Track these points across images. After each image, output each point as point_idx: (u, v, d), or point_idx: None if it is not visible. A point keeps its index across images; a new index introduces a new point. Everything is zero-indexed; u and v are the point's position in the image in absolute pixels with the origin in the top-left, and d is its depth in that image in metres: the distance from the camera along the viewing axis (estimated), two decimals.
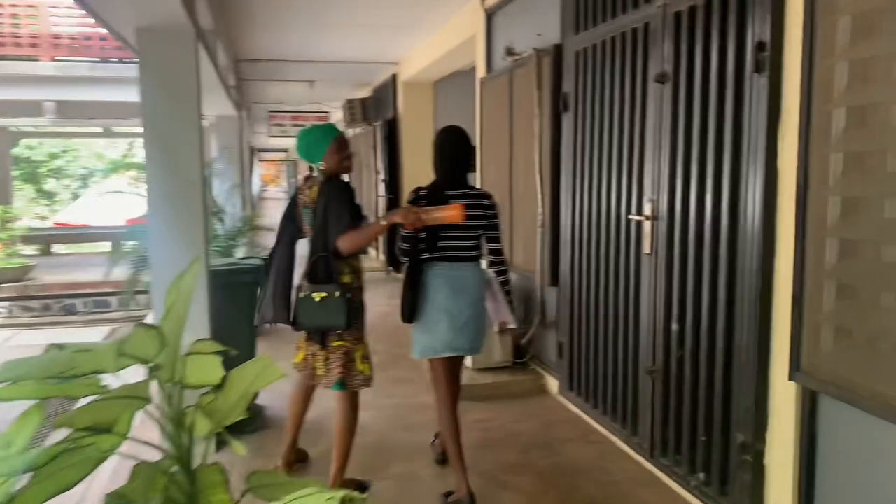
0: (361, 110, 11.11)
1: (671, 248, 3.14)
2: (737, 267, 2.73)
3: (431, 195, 3.02)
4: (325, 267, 2.89)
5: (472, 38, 6.10)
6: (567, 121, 4.20)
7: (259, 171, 36.99)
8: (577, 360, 4.14)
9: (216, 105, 7.68)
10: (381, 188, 10.11)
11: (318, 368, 3.01)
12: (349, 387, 2.99)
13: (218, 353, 1.41)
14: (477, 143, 6.05)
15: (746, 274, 2.66)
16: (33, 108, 9.71)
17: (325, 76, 10.39)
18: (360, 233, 2.92)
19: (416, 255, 3.01)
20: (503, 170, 5.25)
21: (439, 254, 3.01)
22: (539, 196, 4.44)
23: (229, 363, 1.38)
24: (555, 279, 4.41)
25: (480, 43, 5.87)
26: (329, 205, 2.88)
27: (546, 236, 4.43)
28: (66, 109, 9.88)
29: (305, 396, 3.30)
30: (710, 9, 2.84)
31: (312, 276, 2.91)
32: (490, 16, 5.68)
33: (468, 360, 4.82)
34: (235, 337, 4.09)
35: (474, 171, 3.32)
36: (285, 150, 32.38)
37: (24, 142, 19.42)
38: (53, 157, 22.97)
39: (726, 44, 2.74)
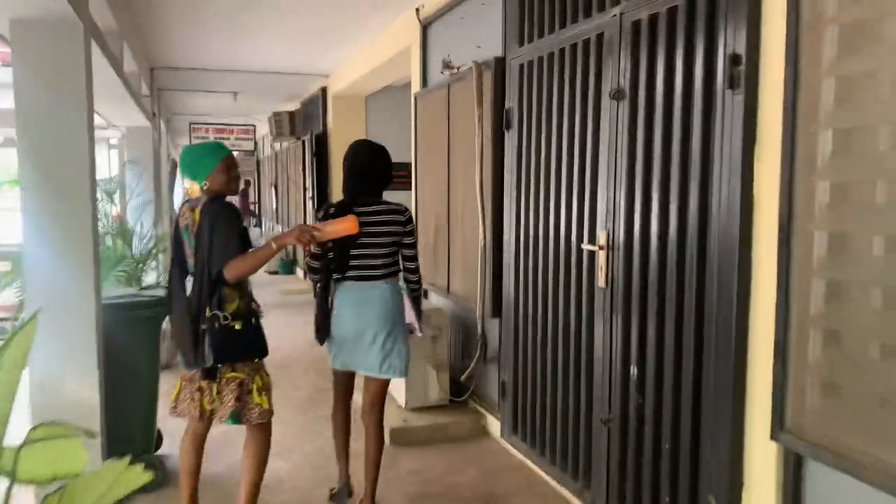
0: (289, 124, 10.57)
1: (629, 283, 2.82)
2: (706, 307, 2.42)
3: (340, 212, 2.91)
4: (214, 293, 2.69)
5: (407, 50, 5.73)
6: (511, 139, 3.86)
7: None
8: (521, 401, 3.78)
9: (126, 116, 7.01)
10: (309, 206, 9.59)
11: (205, 404, 2.77)
12: (244, 421, 2.79)
13: (75, 436, 0.98)
14: (412, 160, 5.66)
15: (718, 315, 2.36)
16: None
17: (250, 88, 9.82)
18: (249, 258, 2.69)
19: (326, 273, 2.97)
20: (441, 190, 4.88)
21: (350, 272, 2.95)
22: (480, 219, 4.08)
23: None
24: (497, 310, 4.05)
25: (416, 55, 5.50)
26: (215, 227, 2.68)
27: (487, 263, 4.07)
28: None
29: (196, 443, 2.91)
30: (674, 17, 2.55)
31: (220, 305, 2.70)
32: (426, 27, 5.33)
33: (401, 400, 4.40)
34: (134, 381, 3.55)
35: (386, 186, 3.17)
36: None
37: None
38: None
39: (693, 56, 2.45)
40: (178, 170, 3.75)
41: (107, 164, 10.79)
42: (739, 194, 2.25)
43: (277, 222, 14.15)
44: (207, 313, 2.66)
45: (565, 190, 3.29)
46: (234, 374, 2.74)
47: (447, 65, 4.69)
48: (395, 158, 7.89)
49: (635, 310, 2.78)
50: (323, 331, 3.01)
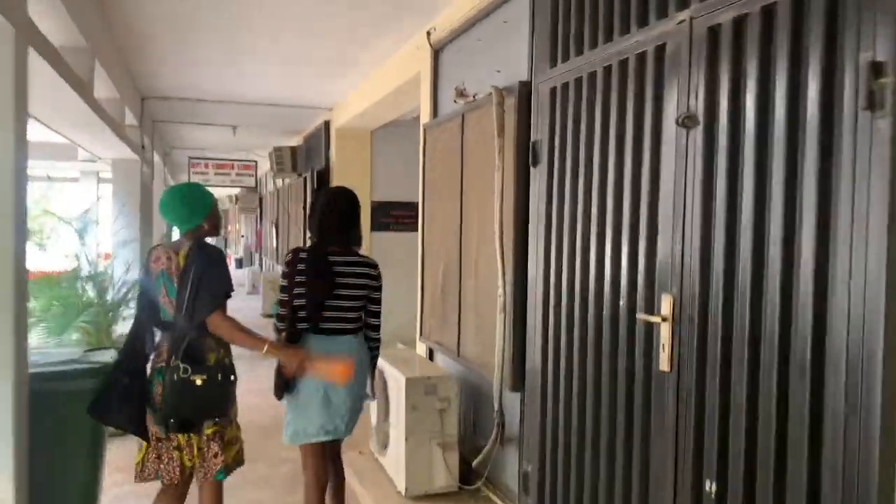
0: (291, 159, 10.01)
1: (704, 368, 2.13)
2: (825, 402, 1.73)
3: (311, 258, 2.84)
4: (200, 344, 2.58)
5: (416, 77, 5.15)
6: (538, 176, 3.22)
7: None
8: (549, 497, 3.05)
9: (109, 147, 6.45)
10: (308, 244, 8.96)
11: (185, 461, 2.62)
12: (228, 473, 2.68)
13: None
14: (420, 199, 5.04)
15: (842, 413, 1.67)
16: None
17: (250, 121, 9.30)
18: (238, 331, 2.61)
19: (293, 324, 2.80)
20: (451, 232, 4.23)
21: (321, 325, 2.81)
22: (499, 270, 3.41)
23: None
24: (519, 383, 3.35)
25: (426, 83, 4.92)
26: (207, 272, 2.56)
27: (508, 324, 3.39)
28: None
29: None
30: (770, 18, 1.92)
31: (186, 355, 2.53)
32: (438, 51, 4.75)
33: (400, 485, 3.68)
34: (66, 472, 2.84)
35: (359, 237, 3.03)
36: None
37: None
38: None
39: (803, 67, 1.81)
40: (162, 213, 2.83)
41: (94, 197, 10.19)
42: (886, 253, 1.58)
43: (277, 262, 13.52)
44: (172, 363, 2.52)
45: (611, 241, 2.62)
46: (215, 427, 2.62)
47: (461, 93, 4.08)
48: (400, 197, 7.10)
49: (713, 405, 2.08)
50: (284, 384, 2.81)
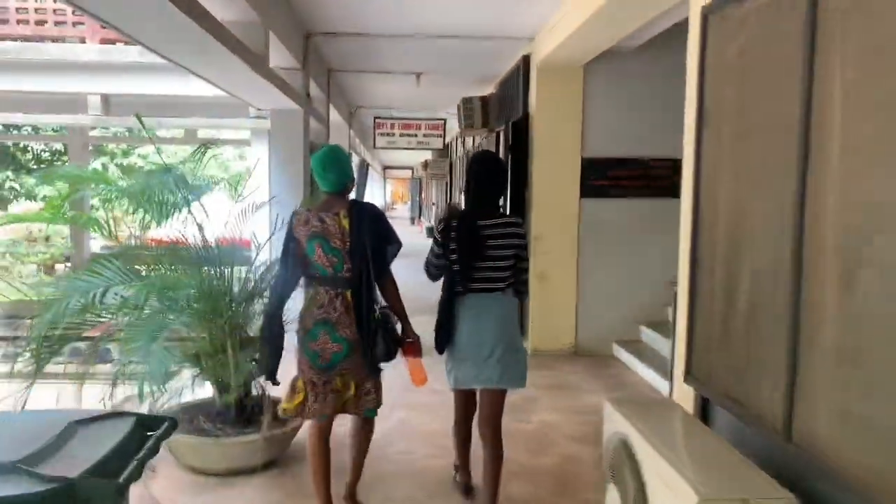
0: (481, 112, 8.37)
1: None
2: None
3: (462, 225, 2.93)
4: (374, 295, 2.91)
5: None
6: None
7: (383, 188, 35.39)
8: None
9: (259, 93, 5.23)
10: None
11: (338, 403, 2.91)
12: (376, 410, 3.04)
13: None
14: (687, 145, 3.08)
15: None
16: (70, 105, 7.86)
17: (434, 66, 7.78)
18: (401, 303, 3.01)
19: (449, 285, 2.99)
20: (774, 205, 2.25)
21: (471, 285, 2.95)
22: None
23: None
24: None
25: None
26: (383, 231, 2.86)
27: None
28: (113, 106, 7.98)
29: (327, 442, 2.99)
30: None
31: (370, 307, 2.88)
32: None
33: None
34: None
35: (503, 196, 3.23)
36: (411, 168, 30.35)
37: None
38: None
39: None
40: (321, 172, 2.89)
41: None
42: None
43: None
44: (377, 312, 2.89)
45: None
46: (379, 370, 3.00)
47: None
48: (621, 153, 4.87)
49: None
50: (443, 340, 3.02)
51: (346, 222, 2.79)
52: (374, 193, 28.01)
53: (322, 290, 2.85)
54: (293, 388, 2.92)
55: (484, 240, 2.88)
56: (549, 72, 6.23)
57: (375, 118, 11.49)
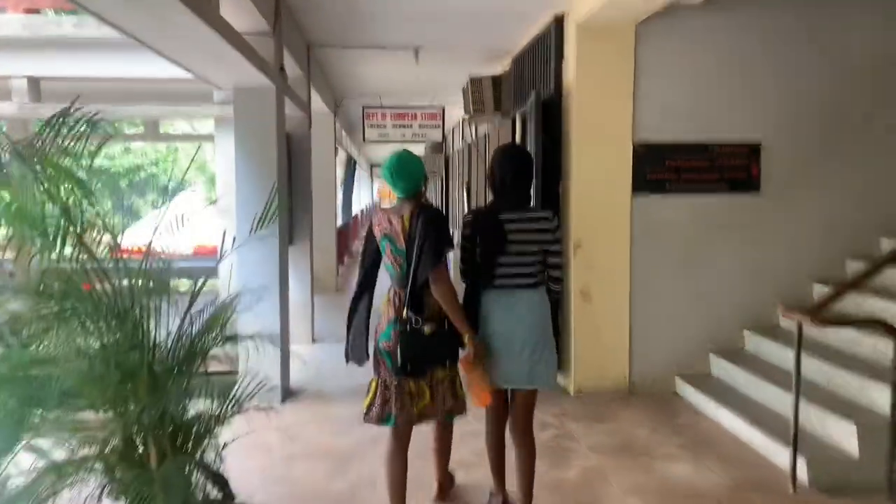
0: (493, 94, 7.03)
1: None
2: None
3: (485, 218, 2.96)
4: (427, 297, 2.85)
5: None
6: None
7: (370, 187, 33.55)
8: None
9: (221, 63, 3.85)
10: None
11: (417, 405, 2.89)
12: (458, 415, 3.06)
13: None
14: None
15: None
16: None
17: (437, 36, 6.40)
18: (454, 304, 2.85)
19: (474, 280, 2.96)
20: None
21: (497, 281, 2.91)
22: None
23: None
24: None
25: None
26: (430, 232, 2.80)
27: None
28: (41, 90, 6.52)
29: (404, 448, 2.96)
30: None
31: (415, 307, 2.83)
32: None
33: None
34: None
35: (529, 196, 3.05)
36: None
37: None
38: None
39: None
40: (390, 179, 2.86)
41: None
42: None
43: None
44: (404, 315, 2.83)
45: None
46: (445, 373, 2.94)
47: None
48: (687, 137, 4.84)
49: None
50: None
51: (407, 224, 2.86)
52: (361, 193, 26.55)
53: (394, 290, 2.92)
54: (368, 388, 2.96)
55: (505, 234, 2.87)
56: (591, 35, 4.87)
57: (365, 107, 10.09)
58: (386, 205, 2.95)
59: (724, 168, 4.99)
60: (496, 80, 7.02)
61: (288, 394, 5.03)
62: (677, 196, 5.00)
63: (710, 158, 4.99)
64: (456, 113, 11.57)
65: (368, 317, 2.99)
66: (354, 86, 9.48)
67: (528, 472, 3.00)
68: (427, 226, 2.79)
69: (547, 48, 5.45)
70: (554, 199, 5.22)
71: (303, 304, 6.51)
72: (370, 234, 3.00)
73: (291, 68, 5.96)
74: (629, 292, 5.00)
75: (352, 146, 15.79)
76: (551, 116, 5.24)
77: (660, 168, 4.97)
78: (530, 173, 3.05)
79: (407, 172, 2.87)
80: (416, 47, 6.78)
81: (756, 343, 5.00)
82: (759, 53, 4.97)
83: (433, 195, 17.66)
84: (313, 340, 6.71)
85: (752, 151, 5.00)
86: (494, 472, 3.17)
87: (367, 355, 2.98)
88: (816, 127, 5.05)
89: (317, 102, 7.96)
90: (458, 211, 12.41)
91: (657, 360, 5.07)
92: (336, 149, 11.01)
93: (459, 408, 3.02)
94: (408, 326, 2.80)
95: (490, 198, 3.09)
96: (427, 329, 2.81)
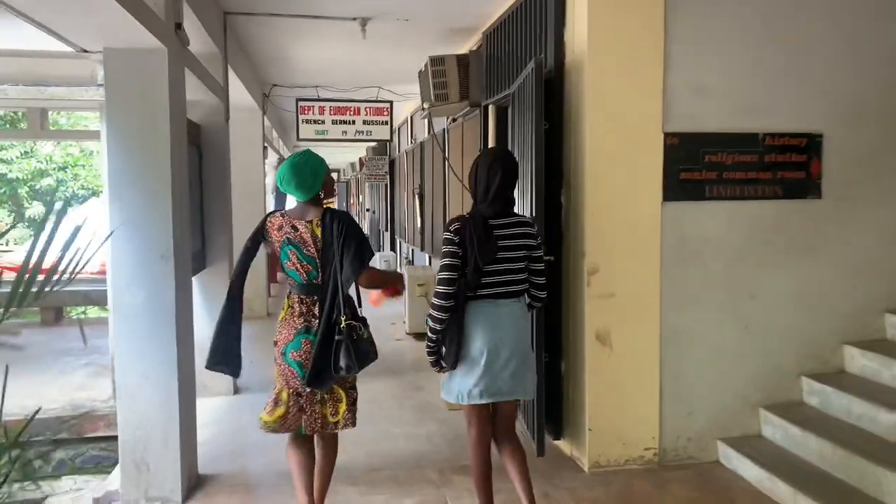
0: (459, 78, 5.69)
1: None
2: None
3: (476, 228, 2.75)
4: (350, 302, 2.86)
5: None
6: None
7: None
8: None
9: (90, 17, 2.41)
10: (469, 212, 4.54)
11: (328, 415, 2.88)
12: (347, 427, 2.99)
13: None
14: None
15: None
16: None
17: (387, 3, 5.04)
18: (379, 274, 3.01)
19: (457, 294, 2.78)
20: None
21: (482, 291, 2.78)
22: None
23: None
24: None
25: None
26: (350, 237, 2.77)
27: None
28: None
29: (311, 455, 2.94)
30: None
31: (353, 315, 2.86)
32: None
33: None
34: None
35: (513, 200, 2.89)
36: (337, 171, 26.65)
37: None
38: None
39: None
40: (291, 184, 2.79)
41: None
42: None
43: (422, 248, 9.37)
44: (342, 323, 2.74)
45: None
46: (353, 381, 2.97)
47: None
48: (736, 126, 3.84)
49: None
50: (456, 352, 2.77)
51: (318, 230, 2.79)
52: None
53: (299, 298, 2.84)
54: (276, 401, 2.85)
55: (496, 240, 2.75)
56: None
57: (298, 100, 8.60)
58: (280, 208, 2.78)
59: (776, 166, 3.82)
60: (462, 60, 5.70)
61: (194, 483, 3.56)
62: (718, 203, 3.79)
63: (758, 153, 3.81)
64: (406, 108, 10.22)
65: (241, 324, 2.93)
66: (286, 73, 8.00)
67: (524, 471, 2.92)
68: (347, 233, 2.76)
69: (542, 11, 4.16)
70: (555, 212, 3.94)
71: None
72: (258, 235, 2.90)
73: (203, 41, 4.51)
74: (659, 333, 3.75)
75: (284, 148, 14.17)
76: (553, 93, 3.94)
77: (696, 166, 3.74)
78: (515, 175, 2.92)
79: (310, 170, 2.82)
80: (363, 19, 5.41)
81: (818, 393, 3.85)
82: (821, 18, 3.82)
83: (377, 203, 16.17)
84: (235, 391, 5.21)
85: (812, 143, 3.85)
86: (484, 498, 2.93)
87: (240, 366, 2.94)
88: (894, 114, 3.93)
89: (239, 91, 6.47)
90: (407, 222, 11.02)
91: (695, 419, 3.84)
92: (265, 149, 9.47)
93: (353, 418, 2.96)
94: (353, 335, 2.77)
95: (472, 204, 2.92)
96: (365, 333, 2.84)
